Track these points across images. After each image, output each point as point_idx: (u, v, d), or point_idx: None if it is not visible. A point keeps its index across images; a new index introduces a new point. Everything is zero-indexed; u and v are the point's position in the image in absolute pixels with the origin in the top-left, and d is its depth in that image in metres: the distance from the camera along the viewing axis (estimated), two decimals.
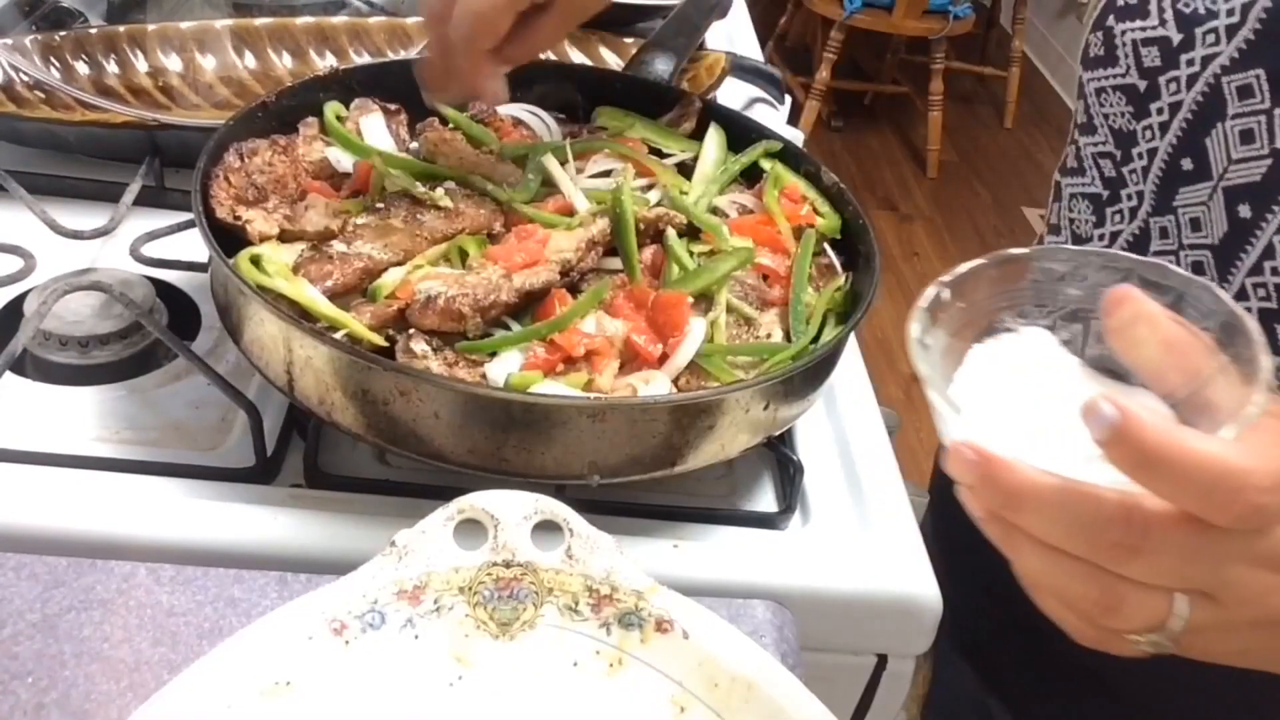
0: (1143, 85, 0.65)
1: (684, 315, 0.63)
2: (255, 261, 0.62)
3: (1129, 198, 0.68)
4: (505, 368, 0.59)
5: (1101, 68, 0.68)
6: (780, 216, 0.73)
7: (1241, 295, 0.62)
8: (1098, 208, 0.70)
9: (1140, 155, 0.66)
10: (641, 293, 0.65)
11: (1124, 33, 0.66)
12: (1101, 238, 0.70)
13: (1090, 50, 0.69)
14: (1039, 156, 3.79)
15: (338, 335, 0.59)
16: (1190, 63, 0.63)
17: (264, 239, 0.66)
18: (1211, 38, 0.61)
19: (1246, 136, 0.60)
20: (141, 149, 0.87)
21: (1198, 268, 0.62)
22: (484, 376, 0.59)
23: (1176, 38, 0.63)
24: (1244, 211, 0.61)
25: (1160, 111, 0.65)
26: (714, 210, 0.75)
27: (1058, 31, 4.35)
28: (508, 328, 0.62)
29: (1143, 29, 0.65)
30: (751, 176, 0.80)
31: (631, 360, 0.63)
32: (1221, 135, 0.61)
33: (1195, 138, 0.63)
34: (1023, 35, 3.87)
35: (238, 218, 0.66)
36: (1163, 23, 0.64)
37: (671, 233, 0.70)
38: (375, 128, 0.77)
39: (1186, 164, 0.63)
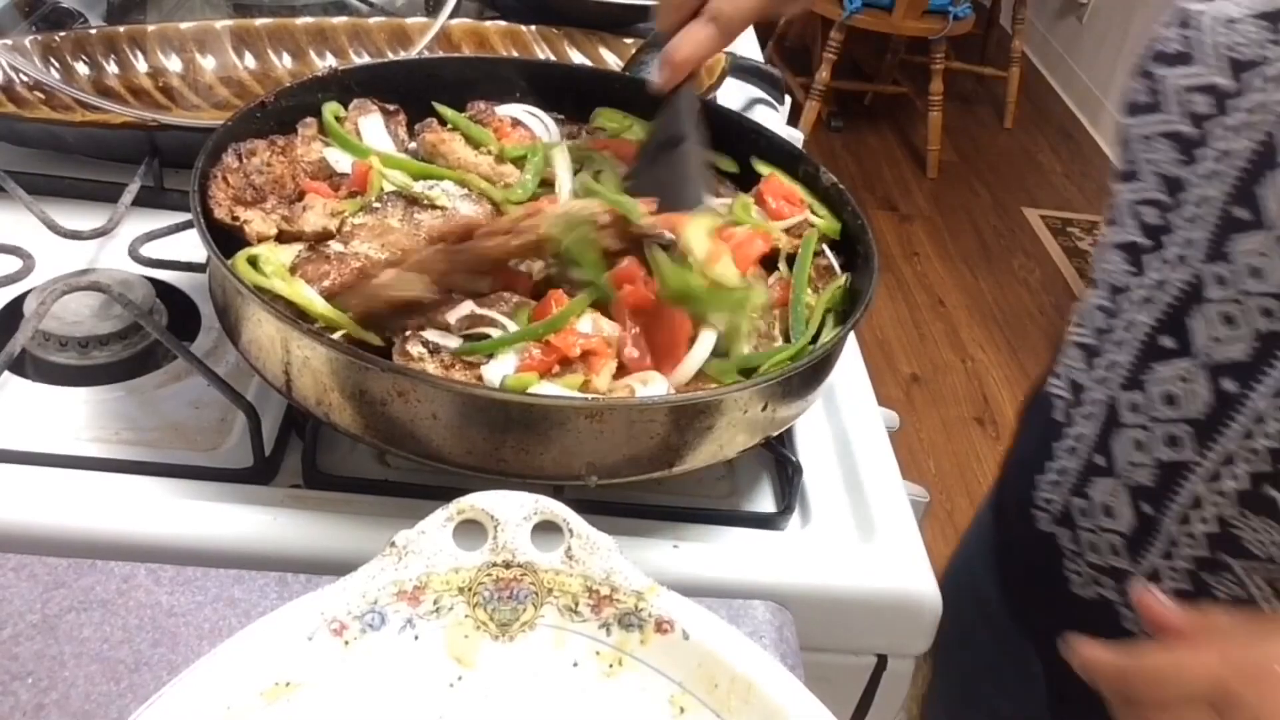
0: (1193, 133, 0.64)
1: (684, 336, 0.63)
2: (253, 262, 0.62)
3: (1175, 244, 0.65)
4: (501, 369, 0.59)
5: (1147, 114, 0.66)
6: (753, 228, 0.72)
7: None
8: (1134, 257, 0.68)
9: (1192, 203, 0.64)
10: (643, 297, 0.64)
11: (1170, 79, 0.64)
12: (1141, 286, 0.67)
13: (1134, 97, 0.68)
14: (1039, 156, 3.78)
15: (335, 335, 0.59)
16: (1243, 110, 0.61)
17: (262, 239, 0.66)
18: (1262, 83, 0.60)
19: None
20: (141, 149, 0.87)
21: (1266, 313, 0.60)
22: (480, 378, 0.59)
23: (1228, 85, 0.61)
24: None
25: (1213, 159, 0.62)
26: None
27: (1058, 31, 4.35)
28: (504, 330, 0.62)
29: (1189, 75, 0.63)
30: (750, 179, 0.80)
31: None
32: (1276, 183, 0.59)
33: (1249, 187, 0.61)
34: (1023, 35, 3.87)
35: (236, 218, 0.66)
36: (1211, 70, 0.63)
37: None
38: (374, 128, 0.77)
39: (1242, 213, 0.61)
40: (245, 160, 0.70)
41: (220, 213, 0.66)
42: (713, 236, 0.65)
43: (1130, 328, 0.67)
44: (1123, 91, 0.69)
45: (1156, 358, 0.65)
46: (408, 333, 0.60)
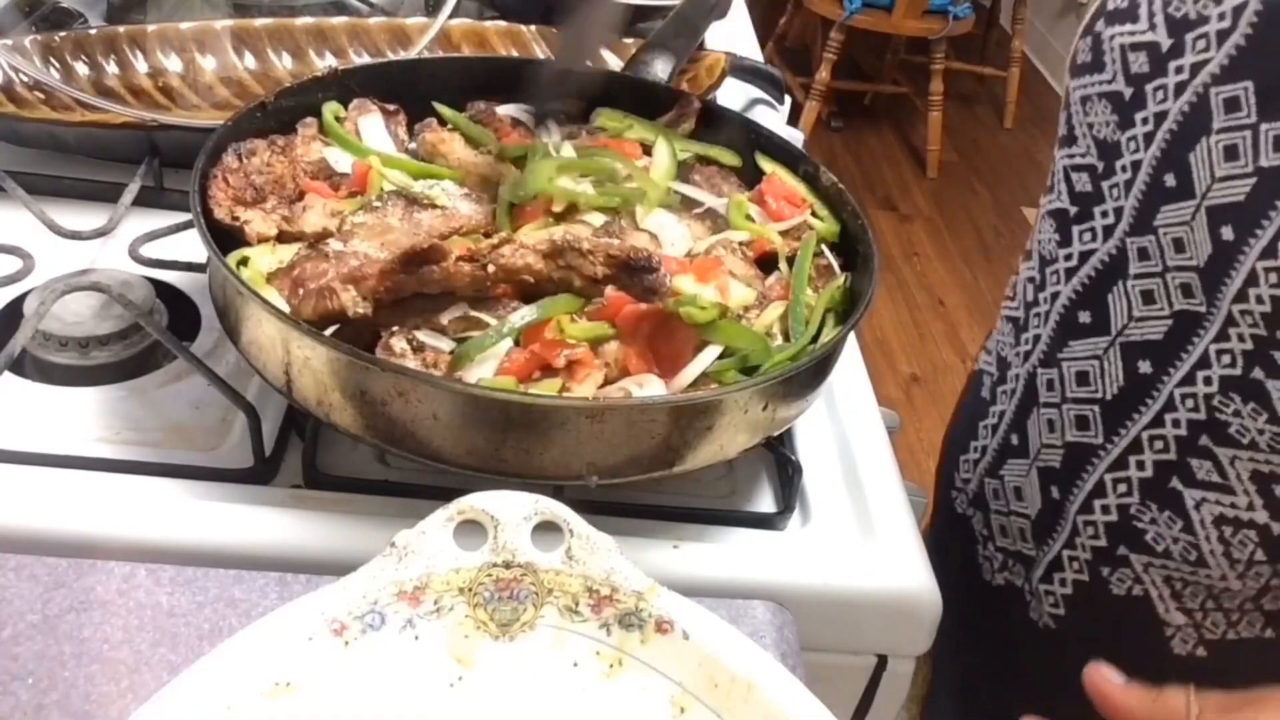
0: (1129, 92, 0.62)
1: (689, 348, 0.62)
2: (243, 263, 0.63)
3: (1103, 215, 0.64)
4: (480, 373, 0.59)
5: (1088, 74, 0.65)
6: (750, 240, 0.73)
7: (1230, 322, 0.58)
8: (1062, 225, 0.66)
9: (1124, 168, 0.62)
10: (646, 311, 0.63)
11: (1112, 38, 0.63)
12: (1068, 257, 0.65)
13: (1078, 57, 0.66)
14: (1039, 156, 3.78)
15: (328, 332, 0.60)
16: (1179, 70, 0.59)
17: (262, 240, 0.66)
18: (1202, 43, 0.58)
19: (1230, 152, 0.57)
20: (141, 149, 0.87)
21: (1186, 290, 0.59)
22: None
23: (1166, 43, 0.60)
24: (1227, 233, 0.57)
25: (1145, 121, 0.61)
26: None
27: (1058, 31, 4.35)
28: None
29: (1131, 33, 0.62)
30: (752, 178, 0.80)
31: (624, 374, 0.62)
32: (1205, 150, 0.58)
33: (1179, 152, 0.59)
34: (1023, 35, 3.87)
35: (236, 218, 0.66)
36: (1152, 27, 0.61)
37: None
38: (373, 128, 0.77)
39: (1169, 180, 0.59)
40: (245, 160, 0.70)
41: (220, 213, 0.66)
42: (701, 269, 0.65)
43: (1052, 300, 0.66)
44: (1070, 54, 0.68)
45: (1074, 334, 0.64)
46: (394, 329, 0.60)
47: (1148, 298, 0.60)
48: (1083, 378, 0.63)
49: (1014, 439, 0.69)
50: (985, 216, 3.43)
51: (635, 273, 0.61)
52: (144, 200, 0.85)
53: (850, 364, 0.79)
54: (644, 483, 0.60)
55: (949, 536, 0.78)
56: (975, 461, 0.73)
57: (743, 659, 0.51)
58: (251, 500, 0.62)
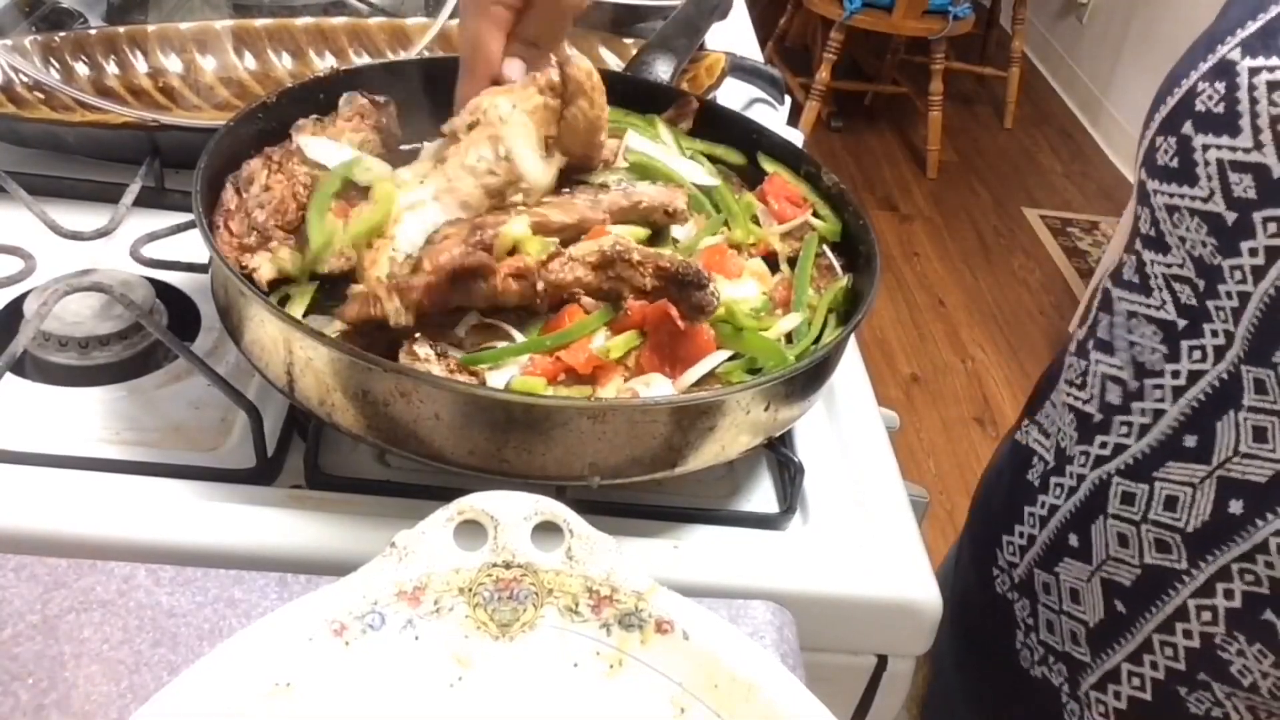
0: (1231, 218, 0.53)
1: (707, 353, 0.62)
2: (283, 301, 0.62)
3: (1214, 334, 0.55)
4: (504, 376, 0.59)
5: (1175, 183, 0.56)
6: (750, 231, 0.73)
7: None
8: (1170, 338, 0.58)
9: (1229, 295, 0.54)
10: (663, 310, 0.63)
11: (1206, 149, 0.53)
12: (1176, 374, 0.58)
13: (1157, 156, 0.57)
14: (1039, 156, 3.79)
15: (332, 333, 0.59)
16: None
17: (272, 285, 0.64)
18: None
19: None
20: (141, 150, 0.87)
21: None
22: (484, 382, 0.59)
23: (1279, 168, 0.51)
24: None
25: (1255, 253, 0.52)
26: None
27: (1058, 31, 4.35)
28: (511, 339, 0.61)
29: (1233, 150, 0.52)
30: (754, 178, 0.80)
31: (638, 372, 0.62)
32: None
33: None
34: (1023, 35, 3.87)
35: (244, 266, 0.64)
36: (1258, 145, 0.51)
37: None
38: (320, 147, 0.73)
39: None
40: (244, 192, 0.68)
41: (229, 264, 0.65)
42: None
43: (1154, 417, 0.59)
44: (1144, 142, 0.58)
45: (1176, 456, 0.57)
46: (417, 335, 0.60)
47: (1259, 435, 0.54)
48: (1171, 502, 0.58)
49: (1072, 539, 0.63)
50: (985, 216, 3.43)
51: (685, 288, 0.60)
52: (145, 200, 0.85)
53: (850, 364, 0.79)
54: (645, 483, 0.60)
55: (984, 612, 0.74)
56: (1023, 548, 0.67)
57: (743, 659, 0.51)
58: (252, 500, 0.62)
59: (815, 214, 0.77)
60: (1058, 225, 3.38)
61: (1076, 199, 3.55)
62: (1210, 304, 0.56)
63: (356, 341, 0.59)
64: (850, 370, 0.79)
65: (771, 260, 0.73)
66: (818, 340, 0.67)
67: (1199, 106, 0.54)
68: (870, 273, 0.70)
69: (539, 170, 0.68)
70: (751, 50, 1.26)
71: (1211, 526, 0.56)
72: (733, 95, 1.10)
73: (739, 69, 1.10)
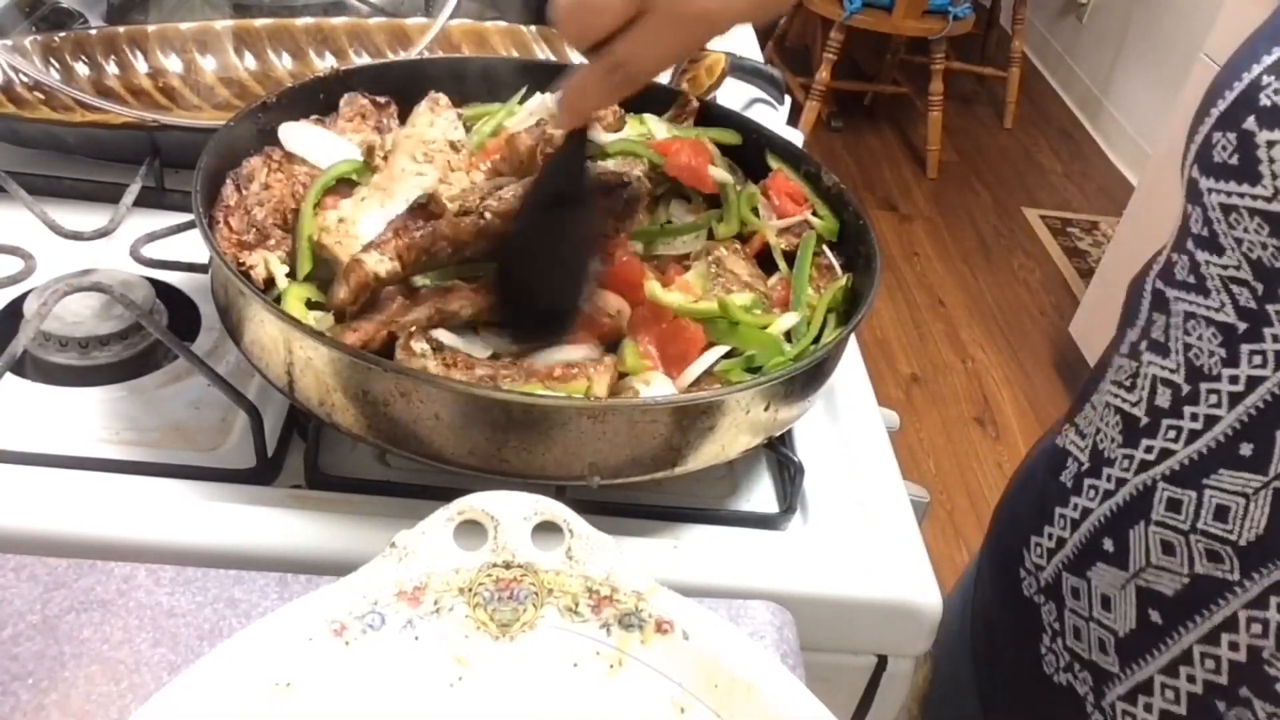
0: None
1: (696, 348, 0.63)
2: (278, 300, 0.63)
3: (1275, 339, 0.53)
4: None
5: (1234, 181, 0.53)
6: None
7: None
8: (1229, 341, 0.56)
9: None
10: (657, 310, 0.64)
11: (1271, 145, 0.51)
12: (1234, 379, 0.55)
13: (1215, 154, 0.54)
14: (1039, 156, 3.79)
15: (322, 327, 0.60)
16: None
17: (268, 283, 0.65)
18: None
19: None
20: (141, 150, 0.87)
21: None
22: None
23: None
24: None
25: None
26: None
27: (1058, 31, 4.35)
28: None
29: None
30: (752, 162, 0.80)
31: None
32: None
33: None
34: (1023, 35, 3.87)
35: (241, 264, 0.65)
36: None
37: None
38: (300, 139, 0.74)
39: None
40: (244, 189, 0.69)
41: (226, 260, 0.65)
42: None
43: (1207, 423, 0.57)
44: (1196, 137, 0.56)
45: (1229, 464, 0.56)
46: (413, 329, 0.60)
47: None
48: (1222, 512, 0.56)
49: (1107, 544, 0.61)
50: (985, 216, 3.43)
51: (611, 192, 0.64)
52: (145, 201, 0.85)
53: (850, 364, 0.79)
54: (645, 483, 0.60)
55: (1008, 615, 0.72)
56: (1051, 551, 0.66)
57: (743, 659, 0.51)
58: (252, 500, 0.62)
59: (814, 213, 0.77)
60: (1058, 225, 3.38)
61: (1076, 199, 3.55)
62: (1270, 308, 0.54)
63: (361, 330, 0.60)
64: (850, 370, 0.79)
65: (768, 258, 0.73)
66: (817, 340, 0.67)
67: (1264, 101, 0.51)
68: (870, 272, 0.70)
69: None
70: (751, 50, 1.26)
71: (1268, 539, 0.54)
72: (733, 95, 1.10)
73: (739, 69, 1.10)
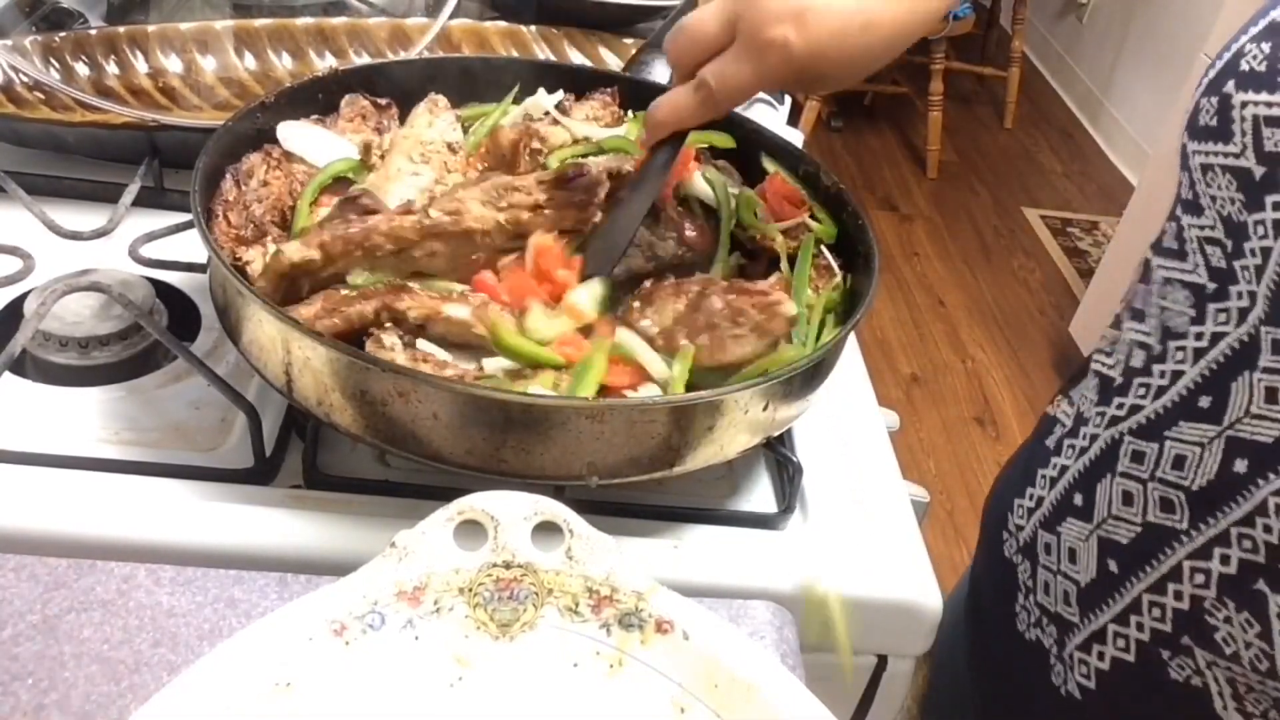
0: (1259, 172, 0.54)
1: (559, 272, 0.64)
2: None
3: (1239, 296, 0.56)
4: (499, 363, 0.59)
5: (1211, 141, 0.56)
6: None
7: None
8: (1199, 301, 0.58)
9: (1253, 252, 0.55)
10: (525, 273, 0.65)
11: (1244, 105, 0.54)
12: (1199, 336, 0.58)
13: (1200, 117, 0.57)
14: (1039, 156, 3.78)
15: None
16: None
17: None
18: None
19: None
20: (141, 150, 0.87)
21: None
22: (480, 367, 0.60)
23: None
24: None
25: (1278, 207, 0.53)
26: None
27: (1058, 31, 4.35)
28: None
29: (1270, 105, 0.53)
30: (746, 165, 0.80)
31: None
32: None
33: None
34: (1023, 35, 3.87)
35: (238, 259, 0.65)
36: None
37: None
38: (310, 139, 0.75)
39: None
40: (244, 184, 0.69)
41: (224, 254, 0.65)
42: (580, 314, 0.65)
43: (1173, 378, 0.59)
44: (1190, 105, 0.59)
45: (1190, 416, 0.58)
46: (386, 324, 0.60)
47: (1271, 395, 0.54)
48: (1179, 461, 0.58)
49: (1077, 499, 0.64)
50: (985, 216, 3.43)
51: (568, 184, 0.65)
52: (144, 200, 0.85)
53: (850, 364, 0.79)
54: (644, 483, 0.60)
55: (991, 578, 0.74)
56: (1030, 510, 0.68)
57: (743, 659, 0.51)
58: (251, 500, 0.62)
59: (812, 215, 0.77)
60: (1058, 225, 3.38)
61: (1076, 199, 3.55)
62: (1237, 264, 0.56)
63: (313, 309, 0.61)
64: (850, 370, 0.79)
65: (770, 258, 0.73)
66: (816, 340, 0.67)
67: (1243, 66, 0.55)
68: (869, 273, 0.70)
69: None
70: None
71: (1216, 486, 0.56)
72: None
73: None
